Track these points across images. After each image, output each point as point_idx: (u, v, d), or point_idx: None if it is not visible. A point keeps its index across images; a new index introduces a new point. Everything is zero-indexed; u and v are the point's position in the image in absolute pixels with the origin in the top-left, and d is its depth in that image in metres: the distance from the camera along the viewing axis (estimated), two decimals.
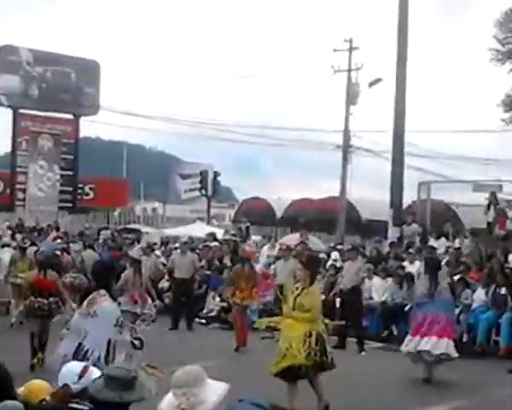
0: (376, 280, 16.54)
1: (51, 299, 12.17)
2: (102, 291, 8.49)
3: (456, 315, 13.19)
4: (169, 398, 3.95)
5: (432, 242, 19.31)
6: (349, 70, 31.38)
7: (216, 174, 37.16)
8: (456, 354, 11.40)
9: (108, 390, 4.59)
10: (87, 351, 8.15)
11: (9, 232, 22.48)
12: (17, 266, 16.30)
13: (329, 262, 18.42)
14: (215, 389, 3.95)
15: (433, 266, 11.93)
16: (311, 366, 8.83)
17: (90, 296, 8.57)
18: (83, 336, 8.29)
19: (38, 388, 5.06)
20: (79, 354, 8.09)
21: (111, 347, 8.14)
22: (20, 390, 5.07)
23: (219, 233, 25.20)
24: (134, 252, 14.56)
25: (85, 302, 8.55)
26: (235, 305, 14.46)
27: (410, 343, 11.57)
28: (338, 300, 15.79)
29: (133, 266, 13.48)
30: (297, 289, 9.22)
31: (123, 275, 13.32)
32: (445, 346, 11.26)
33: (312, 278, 9.38)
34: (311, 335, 8.87)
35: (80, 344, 8.25)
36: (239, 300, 14.26)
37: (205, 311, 18.24)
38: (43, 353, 11.81)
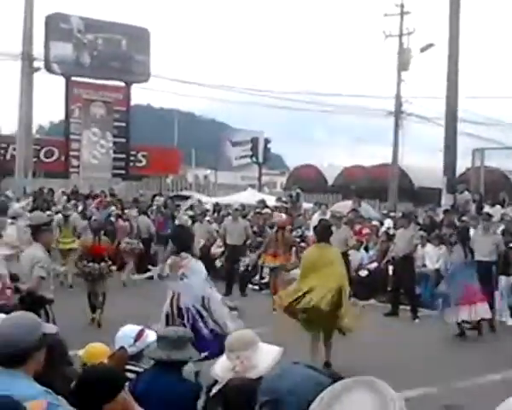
0: (430, 248, 16.37)
1: (102, 264, 12.66)
2: (184, 254, 8.68)
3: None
4: (222, 361, 3.99)
5: (486, 209, 18.99)
6: (400, 35, 30.90)
7: (267, 141, 37.09)
8: (489, 315, 12.40)
9: (159, 350, 4.73)
10: (186, 311, 8.40)
11: (65, 198, 22.93)
12: (62, 231, 17.03)
13: (382, 230, 18.30)
14: (268, 354, 3.97)
15: (465, 236, 12.65)
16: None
17: (171, 261, 8.75)
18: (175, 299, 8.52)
19: (97, 351, 5.17)
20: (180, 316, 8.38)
21: (205, 303, 8.32)
22: (81, 353, 5.20)
23: (270, 200, 25.20)
24: (180, 218, 15.12)
25: (167, 267, 8.77)
26: (269, 269, 15.81)
27: (452, 313, 12.27)
28: (390, 267, 15.72)
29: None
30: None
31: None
32: (483, 311, 12.14)
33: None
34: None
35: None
36: (272, 263, 15.31)
37: (257, 277, 18.32)
38: (96, 313, 12.30)
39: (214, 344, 7.36)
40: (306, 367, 2.13)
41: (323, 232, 10.41)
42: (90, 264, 12.78)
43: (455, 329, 12.53)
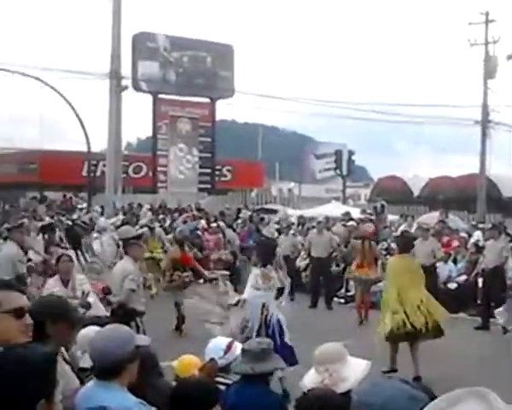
0: None
1: (185, 273, 13.04)
2: (270, 266, 8.96)
3: None
4: (311, 374, 4.02)
5: None
6: (486, 43, 30.29)
7: (350, 153, 36.88)
8: None
9: (243, 363, 4.77)
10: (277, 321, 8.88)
11: (150, 213, 23.42)
12: (148, 243, 17.42)
13: (471, 241, 17.91)
14: (357, 367, 3.98)
15: None
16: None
17: (263, 272, 9.04)
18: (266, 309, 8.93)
19: (190, 363, 5.27)
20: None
21: None
22: (174, 364, 5.31)
23: (355, 212, 25.03)
24: (268, 231, 15.31)
25: (260, 279, 9.04)
26: (354, 280, 15.85)
27: None
28: (480, 280, 15.36)
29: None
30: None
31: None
32: None
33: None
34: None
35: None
36: (358, 274, 15.38)
37: (343, 290, 18.22)
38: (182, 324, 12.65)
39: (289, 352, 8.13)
40: (400, 382, 2.13)
41: (406, 244, 10.63)
42: (179, 273, 13.12)
43: None
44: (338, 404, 3.48)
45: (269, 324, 8.74)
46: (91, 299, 7.90)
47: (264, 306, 8.79)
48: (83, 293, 7.85)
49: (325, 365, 3.95)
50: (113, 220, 21.74)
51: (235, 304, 9.12)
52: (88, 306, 7.56)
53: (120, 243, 13.15)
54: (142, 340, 4.19)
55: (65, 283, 8.47)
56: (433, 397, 2.31)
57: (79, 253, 15.08)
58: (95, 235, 17.82)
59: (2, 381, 2.30)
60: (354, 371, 3.96)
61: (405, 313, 9.91)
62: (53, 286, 8.41)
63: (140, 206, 25.25)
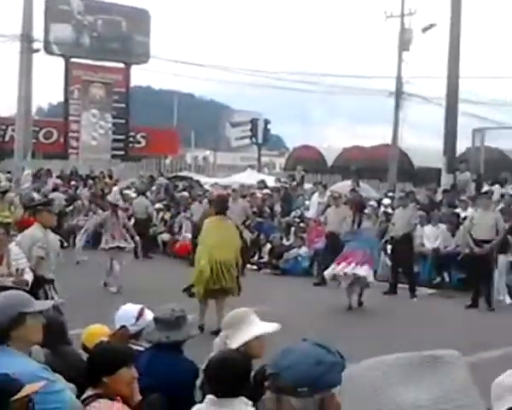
0: (428, 227, 16.40)
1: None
2: None
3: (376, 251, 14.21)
4: (216, 341, 4.40)
5: (485, 188, 19.01)
6: (402, 15, 30.73)
7: (266, 122, 37.05)
8: (371, 279, 12.87)
9: (157, 331, 4.77)
10: None
11: (30, 179, 23.09)
12: None
13: (381, 209, 18.31)
14: (256, 328, 4.29)
15: (356, 207, 13.90)
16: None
17: None
18: None
19: (97, 331, 5.21)
20: None
21: None
22: (82, 333, 5.25)
23: (270, 181, 25.20)
24: (112, 196, 15.45)
25: None
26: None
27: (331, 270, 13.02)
28: (389, 247, 15.76)
29: (111, 209, 14.59)
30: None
31: (102, 216, 15.12)
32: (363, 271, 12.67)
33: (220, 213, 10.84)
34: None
35: None
36: None
37: (256, 257, 18.38)
38: None
39: None
40: (313, 345, 2.15)
41: (222, 205, 11.00)
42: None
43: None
44: (237, 363, 3.76)
45: None
46: (28, 276, 7.52)
47: None
48: (17, 270, 7.43)
49: (225, 330, 4.28)
50: (26, 186, 21.28)
51: None
52: (24, 284, 7.19)
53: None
54: (41, 305, 4.12)
55: None
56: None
57: None
58: None
59: None
60: (249, 331, 4.22)
61: (212, 271, 10.33)
62: None
63: (49, 172, 24.70)
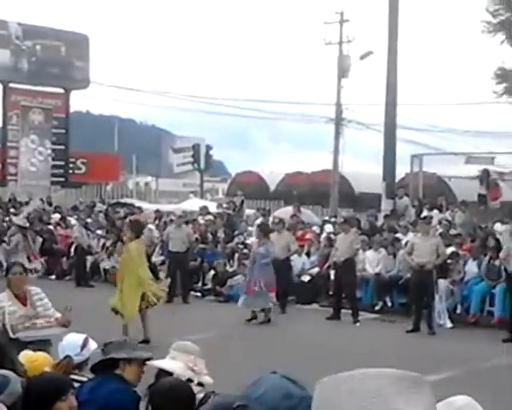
0: (370, 252, 16.60)
1: None
2: None
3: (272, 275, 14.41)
4: (172, 362, 4.16)
5: (424, 213, 19.38)
6: (340, 43, 31.27)
7: (208, 148, 37.10)
8: (272, 303, 13.99)
9: (102, 355, 4.72)
10: None
11: None
12: None
13: (323, 235, 18.49)
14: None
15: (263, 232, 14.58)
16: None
17: None
18: None
19: (40, 361, 5.09)
20: None
21: None
22: (23, 361, 5.11)
23: (213, 207, 25.19)
24: (19, 220, 15.51)
25: None
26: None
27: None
28: (332, 272, 15.88)
29: (20, 232, 14.71)
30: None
31: (13, 239, 15.01)
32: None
33: (133, 238, 11.64)
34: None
35: None
36: None
37: (199, 284, 18.28)
38: None
39: None
40: (282, 378, 2.16)
41: (139, 229, 12.07)
42: None
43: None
44: (189, 394, 3.72)
45: None
46: (59, 313, 7.08)
47: None
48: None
49: (192, 355, 4.16)
50: None
51: None
52: (68, 323, 6.81)
53: None
54: None
55: (21, 299, 7.10)
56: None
57: None
58: None
59: None
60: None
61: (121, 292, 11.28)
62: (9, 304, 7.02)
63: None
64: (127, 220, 16.21)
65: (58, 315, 7.04)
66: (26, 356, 5.12)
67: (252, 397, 2.06)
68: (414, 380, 1.49)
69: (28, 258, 13.94)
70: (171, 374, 4.10)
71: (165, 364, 4.17)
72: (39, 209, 22.13)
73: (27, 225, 15.18)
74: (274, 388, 2.08)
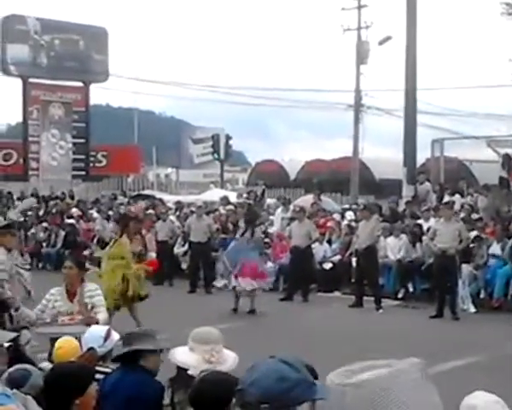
0: (391, 239, 16.53)
1: None
2: None
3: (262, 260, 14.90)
4: (189, 354, 4.08)
5: (446, 198, 19.23)
6: (358, 28, 31.08)
7: (228, 138, 37.06)
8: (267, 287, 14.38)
9: (123, 347, 4.73)
10: None
11: None
12: None
13: (344, 222, 18.44)
14: (229, 353, 4.15)
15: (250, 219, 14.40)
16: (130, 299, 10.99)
17: None
18: None
19: (64, 347, 5.16)
20: None
21: None
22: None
23: (233, 197, 25.20)
24: (13, 214, 15.51)
25: None
26: None
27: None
28: (354, 259, 15.86)
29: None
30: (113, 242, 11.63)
31: None
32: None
33: (122, 232, 11.46)
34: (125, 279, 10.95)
35: None
36: None
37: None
38: None
39: None
40: (279, 362, 2.18)
41: (126, 224, 11.71)
42: None
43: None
44: (233, 386, 3.49)
45: None
46: (102, 315, 7.00)
47: None
48: (86, 307, 7.00)
49: (210, 344, 4.05)
50: None
51: None
52: (94, 322, 6.58)
53: None
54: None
55: (70, 295, 7.15)
56: (315, 376, 2.37)
57: None
58: None
59: None
60: (228, 355, 4.13)
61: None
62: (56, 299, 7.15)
63: (9, 194, 24.42)
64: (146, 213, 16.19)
65: (100, 317, 6.94)
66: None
67: (248, 381, 2.10)
68: (420, 373, 1.60)
69: (21, 253, 14.00)
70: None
71: (182, 358, 4.13)
72: (33, 207, 22.16)
73: (21, 219, 15.23)
74: (268, 371, 2.11)
